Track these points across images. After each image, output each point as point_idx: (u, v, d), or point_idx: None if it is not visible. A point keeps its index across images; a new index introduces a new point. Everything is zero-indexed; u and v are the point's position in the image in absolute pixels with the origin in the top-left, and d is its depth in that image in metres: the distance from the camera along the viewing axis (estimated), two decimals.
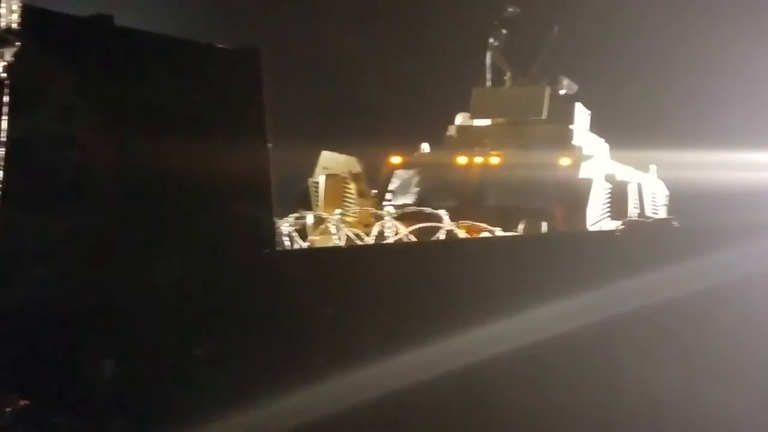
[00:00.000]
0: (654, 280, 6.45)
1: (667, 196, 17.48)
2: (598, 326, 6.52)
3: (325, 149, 15.28)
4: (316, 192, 14.71)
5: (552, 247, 7.46)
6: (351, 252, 8.29)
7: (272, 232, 6.84)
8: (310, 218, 13.09)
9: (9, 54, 5.01)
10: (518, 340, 6.39)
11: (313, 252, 9.58)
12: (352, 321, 6.51)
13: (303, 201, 14.62)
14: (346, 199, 14.64)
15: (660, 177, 17.27)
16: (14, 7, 5.03)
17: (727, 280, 6.66)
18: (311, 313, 6.49)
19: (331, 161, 15.08)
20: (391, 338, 6.33)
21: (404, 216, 12.31)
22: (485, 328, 6.33)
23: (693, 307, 6.77)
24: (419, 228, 11.74)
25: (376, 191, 14.94)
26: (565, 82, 16.24)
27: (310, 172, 15.10)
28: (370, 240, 11.76)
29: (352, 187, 14.72)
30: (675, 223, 8.59)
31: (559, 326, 6.42)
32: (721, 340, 6.78)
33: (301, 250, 10.96)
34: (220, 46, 6.74)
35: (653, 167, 17.13)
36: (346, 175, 14.76)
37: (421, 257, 7.16)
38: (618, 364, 6.75)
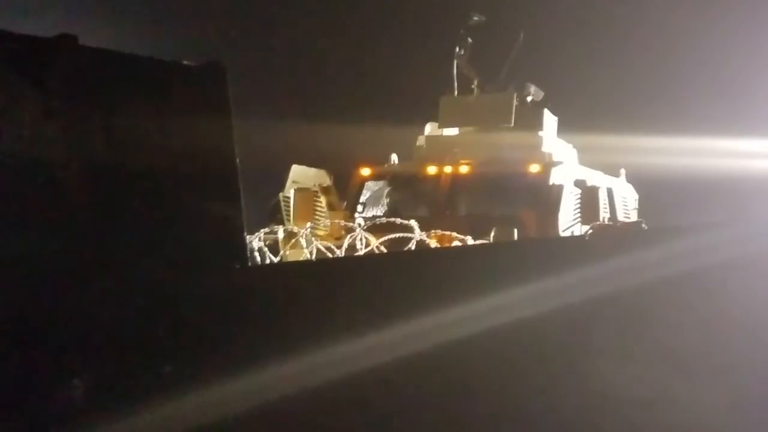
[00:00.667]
0: (624, 282, 6.49)
1: (636, 200, 17.61)
2: (567, 329, 6.56)
3: (295, 163, 15.29)
4: (287, 206, 14.71)
5: (521, 253, 7.48)
6: (321, 265, 8.27)
7: (244, 247, 6.80)
8: (280, 233, 13.08)
9: None
10: (490, 345, 6.41)
11: (285, 266, 9.57)
12: (325, 334, 6.49)
13: (274, 215, 14.61)
14: (316, 212, 14.65)
15: (629, 180, 17.40)
16: None
17: (695, 280, 6.71)
18: (284, 327, 6.46)
19: (301, 175, 15.09)
20: (367, 350, 6.33)
21: (375, 227, 12.32)
22: (459, 335, 6.34)
23: (662, 306, 6.82)
24: (390, 239, 11.75)
25: (345, 205, 14.95)
26: (532, 88, 16.34)
27: (281, 186, 15.10)
28: (340, 253, 11.76)
29: (323, 200, 14.73)
30: (644, 226, 8.66)
31: (529, 331, 6.44)
32: (691, 339, 6.83)
33: (272, 265, 10.95)
34: (185, 62, 6.72)
35: (623, 171, 17.26)
36: (316, 189, 14.77)
37: (392, 268, 7.16)
38: (591, 366, 6.78)
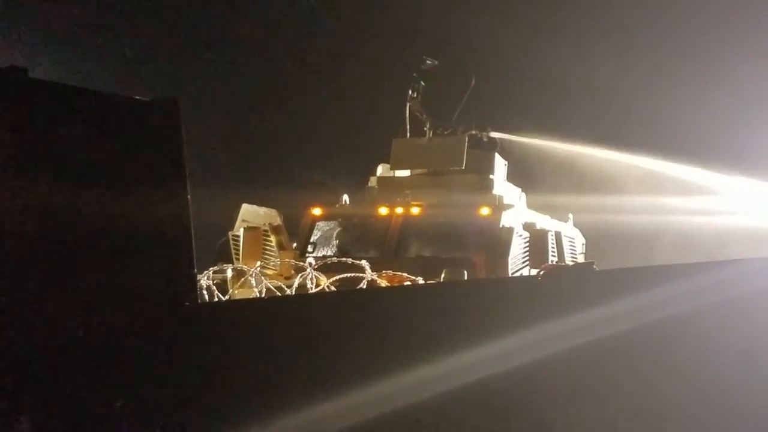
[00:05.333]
0: (576, 321, 6.53)
1: (583, 244, 17.78)
2: (520, 368, 6.57)
3: (245, 202, 15.22)
4: (236, 245, 14.60)
5: (474, 292, 7.49)
6: (271, 303, 8.22)
7: (193, 285, 6.74)
8: (229, 271, 12.96)
9: None
10: (445, 384, 6.40)
11: (233, 304, 9.48)
12: (274, 371, 6.45)
13: (223, 254, 14.50)
14: (266, 251, 14.54)
15: (576, 225, 17.57)
16: None
17: (647, 321, 6.79)
18: (232, 365, 6.41)
19: (251, 214, 15.01)
20: (316, 387, 6.29)
21: (326, 267, 12.25)
22: (410, 374, 6.32)
23: (616, 347, 6.88)
24: (340, 279, 11.70)
25: (295, 245, 14.87)
26: (484, 132, 16.47)
27: (231, 225, 15.01)
28: (291, 292, 11.67)
29: (273, 239, 14.63)
30: (595, 267, 8.75)
31: (481, 370, 6.44)
32: (642, 380, 6.89)
33: (221, 303, 10.85)
34: (137, 98, 6.67)
35: (570, 216, 17.43)
36: (266, 228, 14.67)
37: (342, 306, 7.13)
38: (542, 404, 6.80)
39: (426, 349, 6.54)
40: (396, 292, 9.14)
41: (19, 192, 5.90)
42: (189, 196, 6.63)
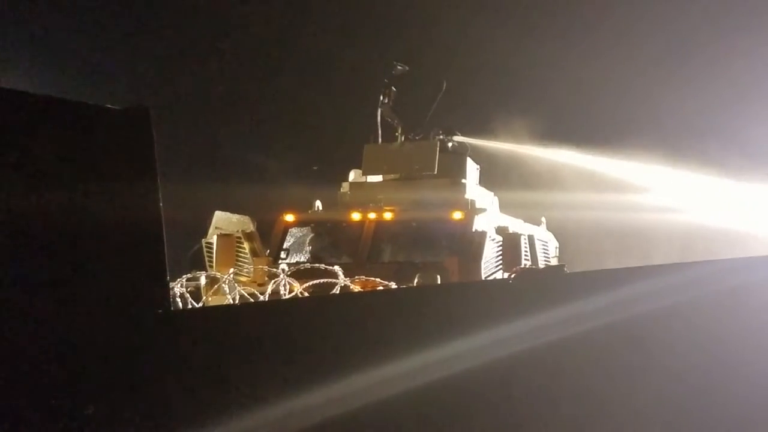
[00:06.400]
0: (547, 323, 6.59)
1: (557, 247, 17.88)
2: (492, 370, 6.62)
3: (218, 209, 15.22)
4: (210, 252, 14.60)
5: (446, 297, 7.53)
6: (245, 310, 8.22)
7: (166, 292, 6.74)
8: (203, 279, 12.96)
9: None
10: (419, 388, 6.44)
11: (207, 311, 9.48)
12: (248, 377, 6.45)
13: (196, 262, 14.49)
14: (239, 258, 14.56)
15: (549, 229, 17.68)
16: None
17: (617, 322, 6.86)
18: (206, 372, 6.41)
19: (224, 221, 15.02)
20: (291, 392, 6.31)
21: (299, 273, 12.28)
22: (384, 378, 6.36)
23: (585, 347, 6.94)
24: (314, 285, 11.73)
25: (268, 251, 14.88)
26: (455, 137, 16.55)
27: (204, 232, 15.00)
28: (264, 299, 11.69)
29: (246, 246, 14.65)
30: (566, 269, 8.82)
31: (453, 372, 6.49)
32: (613, 378, 6.96)
33: (194, 309, 10.84)
34: (107, 106, 6.66)
35: (543, 220, 17.54)
36: (239, 235, 14.69)
37: (315, 311, 7.16)
38: (514, 405, 6.85)
39: (398, 352, 6.57)
40: (368, 297, 9.17)
41: None
42: (161, 204, 6.64)
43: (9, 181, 6.00)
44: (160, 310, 6.50)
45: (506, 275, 13.84)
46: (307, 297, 11.23)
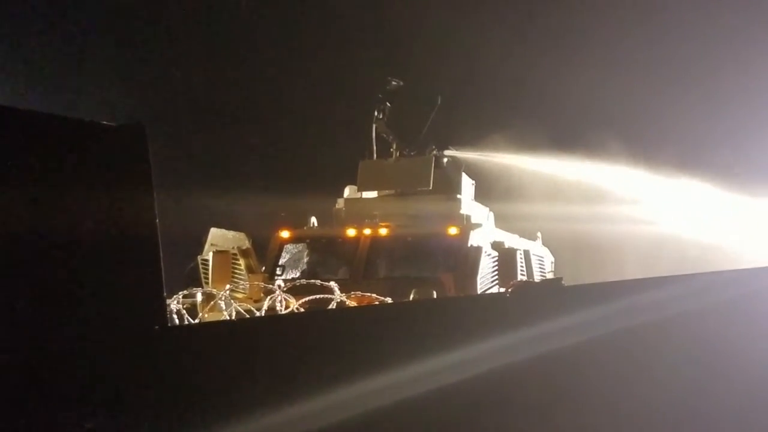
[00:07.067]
0: (544, 336, 6.61)
1: (552, 262, 17.88)
2: (490, 384, 6.63)
3: (213, 226, 15.23)
4: (205, 269, 14.60)
5: (443, 310, 7.55)
6: (241, 325, 8.24)
7: (163, 308, 6.76)
8: (199, 295, 12.96)
9: None
10: (417, 401, 6.45)
11: (204, 327, 9.48)
12: (245, 393, 6.46)
13: (192, 278, 14.47)
14: (235, 275, 14.57)
15: (545, 244, 17.69)
16: None
17: (614, 334, 6.88)
18: (203, 387, 6.42)
19: (219, 238, 15.02)
20: (287, 407, 6.31)
21: (294, 289, 12.28)
22: (382, 391, 6.38)
23: (583, 360, 6.96)
24: (310, 300, 11.73)
25: (264, 268, 14.87)
26: (450, 152, 16.57)
27: (199, 249, 15.00)
28: (261, 314, 11.69)
29: (242, 262, 14.66)
30: (563, 283, 8.84)
31: (452, 384, 6.50)
32: (611, 390, 6.98)
33: (192, 325, 10.84)
34: (104, 123, 6.68)
35: (539, 235, 17.54)
36: (235, 251, 14.70)
37: (312, 326, 7.17)
38: (513, 418, 6.86)
39: (396, 366, 6.58)
40: (365, 311, 9.18)
41: None
42: (158, 221, 6.65)
43: (6, 197, 6.01)
44: (158, 326, 6.51)
45: (502, 290, 13.84)
46: (303, 312, 11.23)
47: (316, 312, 10.85)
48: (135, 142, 6.69)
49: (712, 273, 8.46)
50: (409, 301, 12.18)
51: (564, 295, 7.85)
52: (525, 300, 7.72)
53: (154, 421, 6.14)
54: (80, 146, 6.51)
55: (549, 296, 7.99)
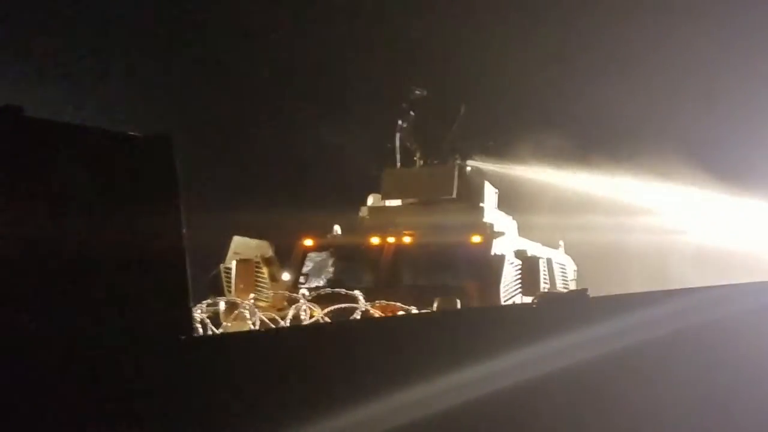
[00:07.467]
0: (571, 347, 6.60)
1: (575, 270, 17.83)
2: (517, 396, 6.63)
3: (236, 234, 15.25)
4: (228, 277, 14.60)
5: (470, 321, 7.56)
6: (267, 336, 8.25)
7: (189, 318, 6.78)
8: (222, 304, 12.98)
9: None
10: (442, 413, 6.45)
11: (230, 337, 9.51)
12: (272, 403, 6.47)
13: (215, 287, 14.48)
14: (258, 283, 14.57)
15: (567, 252, 17.65)
16: None
17: (642, 344, 6.87)
18: (230, 398, 6.44)
19: (242, 246, 15.02)
20: (313, 417, 6.32)
21: (319, 298, 12.30)
22: (407, 403, 6.37)
23: (610, 371, 6.95)
24: (334, 309, 11.74)
25: (288, 277, 14.86)
26: (474, 161, 16.56)
27: (222, 257, 15.02)
28: (285, 324, 11.69)
29: (265, 271, 14.66)
30: (589, 294, 8.83)
31: (478, 396, 6.50)
32: (640, 400, 6.96)
33: (217, 336, 10.87)
34: (131, 133, 6.72)
35: (561, 243, 17.50)
36: (258, 260, 14.71)
37: (340, 336, 7.18)
38: (543, 425, 6.85)
39: (422, 377, 6.58)
40: (394, 322, 9.19)
41: (15, 227, 5.93)
42: (184, 230, 6.68)
43: (33, 207, 6.05)
44: (184, 336, 6.54)
45: (525, 299, 13.82)
46: (328, 323, 11.23)
47: (342, 322, 10.86)
48: (162, 152, 6.72)
49: (743, 284, 8.42)
50: (438, 311, 12.17)
51: (590, 307, 7.84)
52: (552, 311, 7.71)
53: (180, 429, 6.17)
54: (108, 156, 6.55)
55: (575, 307, 7.98)
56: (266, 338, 7.57)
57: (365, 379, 6.52)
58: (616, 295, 8.66)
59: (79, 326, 5.99)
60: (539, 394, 6.73)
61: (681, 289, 8.50)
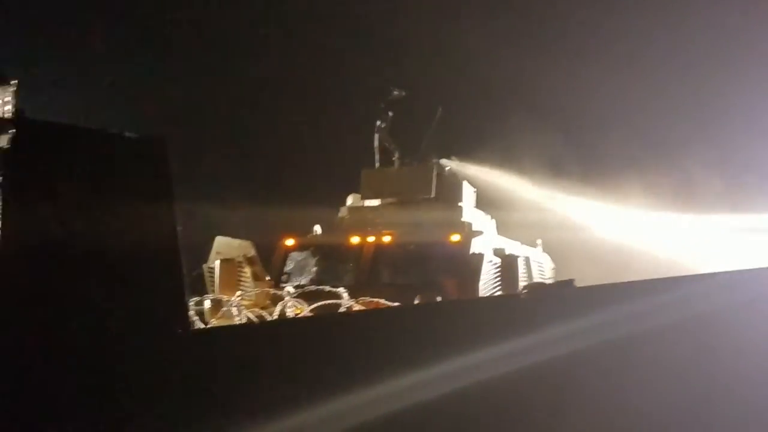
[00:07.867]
0: (559, 337, 6.75)
1: (553, 268, 18.01)
2: (505, 384, 6.77)
3: (218, 234, 15.34)
4: (211, 277, 14.69)
5: (461, 312, 7.71)
6: (264, 328, 8.40)
7: (185, 313, 6.93)
8: (207, 303, 13.08)
9: None
10: (427, 403, 6.59)
11: (227, 330, 9.62)
12: (267, 395, 6.61)
13: (197, 287, 14.55)
14: (241, 283, 14.66)
15: (545, 250, 17.83)
16: None
17: (629, 333, 7.01)
18: (225, 389, 6.57)
19: (225, 246, 15.10)
20: (306, 406, 6.45)
21: (304, 295, 12.44)
22: (399, 392, 6.52)
23: (597, 360, 7.09)
24: (320, 306, 11.87)
25: (269, 278, 14.97)
26: (452, 160, 16.72)
27: (203, 257, 15.09)
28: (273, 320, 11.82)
29: (247, 270, 14.75)
30: (575, 284, 8.99)
31: (465, 386, 6.65)
32: (626, 390, 7.11)
33: (212, 329, 10.98)
34: (127, 134, 6.86)
35: (539, 241, 17.67)
36: (240, 260, 14.80)
37: (334, 329, 7.32)
38: (527, 416, 6.99)
39: (411, 368, 6.72)
40: (387, 314, 9.33)
41: (15, 227, 6.05)
42: (178, 228, 6.83)
43: (31, 206, 6.18)
44: (180, 331, 6.68)
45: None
46: (324, 315, 11.33)
47: (339, 315, 11.00)
48: (156, 153, 6.88)
49: (731, 272, 8.48)
50: (429, 303, 12.29)
51: (577, 296, 8.01)
52: (539, 301, 7.87)
53: (179, 422, 6.29)
54: (105, 156, 6.69)
55: (563, 297, 8.14)
56: (262, 331, 7.72)
57: (366, 367, 6.64)
58: (603, 284, 8.78)
59: (75, 321, 6.12)
60: (527, 383, 6.87)
61: (669, 278, 8.59)
